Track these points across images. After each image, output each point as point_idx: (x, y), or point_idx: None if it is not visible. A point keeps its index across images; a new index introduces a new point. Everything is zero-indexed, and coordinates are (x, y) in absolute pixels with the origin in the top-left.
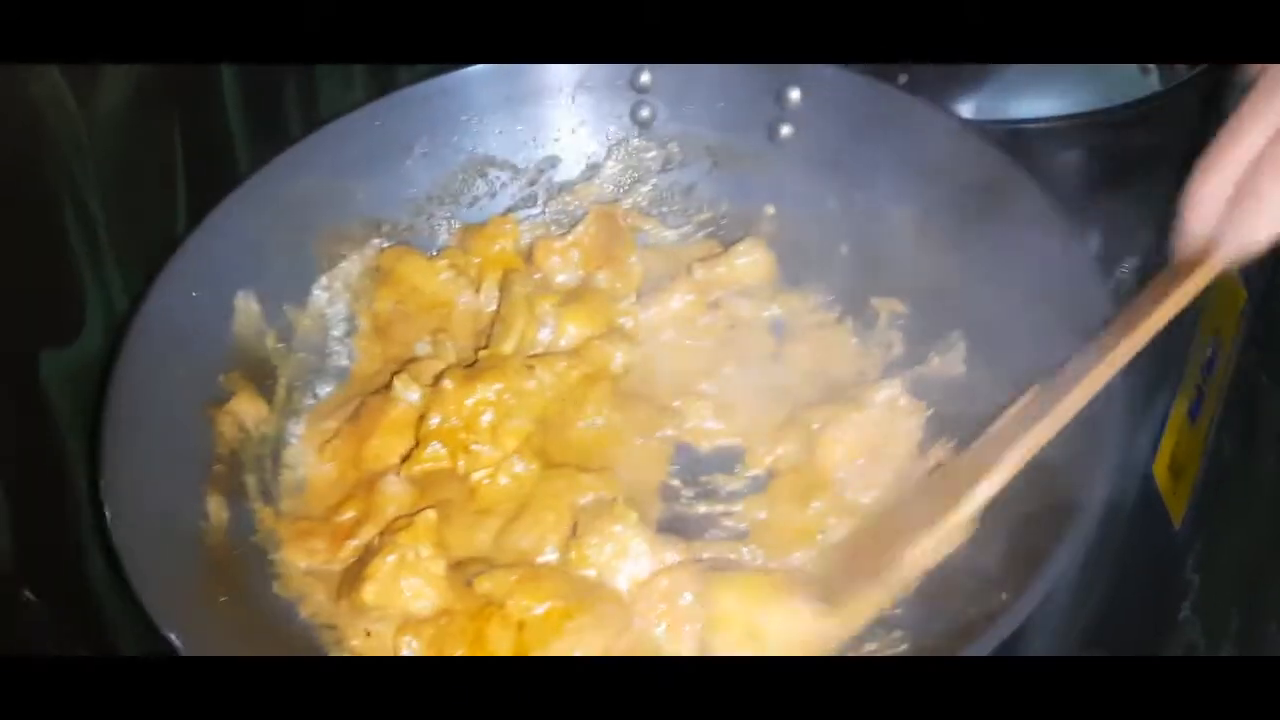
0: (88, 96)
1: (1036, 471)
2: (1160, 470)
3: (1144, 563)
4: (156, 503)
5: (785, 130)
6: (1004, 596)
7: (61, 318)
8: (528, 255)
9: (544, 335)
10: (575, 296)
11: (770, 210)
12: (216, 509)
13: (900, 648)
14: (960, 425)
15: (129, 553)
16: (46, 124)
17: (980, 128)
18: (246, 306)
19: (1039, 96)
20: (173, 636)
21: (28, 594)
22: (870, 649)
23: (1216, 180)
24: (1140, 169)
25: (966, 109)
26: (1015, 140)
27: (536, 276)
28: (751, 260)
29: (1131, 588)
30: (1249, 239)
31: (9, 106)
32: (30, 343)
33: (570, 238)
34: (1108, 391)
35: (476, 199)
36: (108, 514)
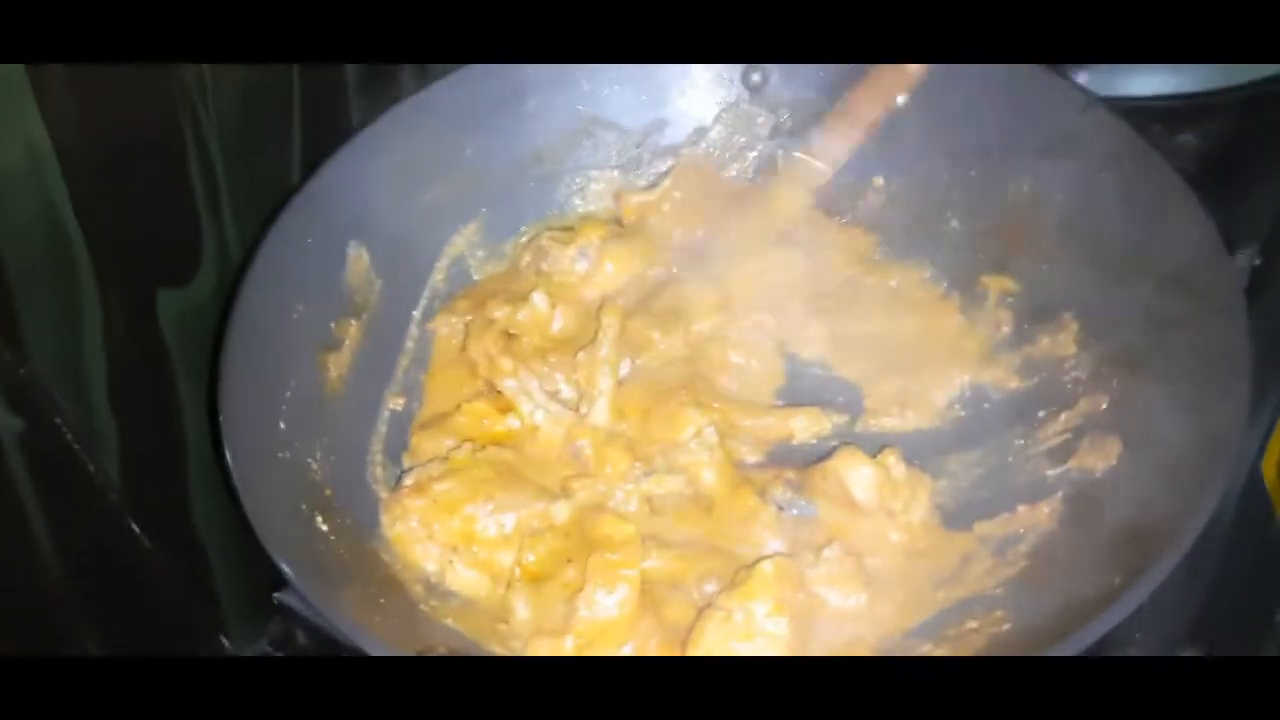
0: None
1: (1154, 457)
2: (1269, 468)
3: (1247, 561)
4: (270, 443)
5: (899, 99)
6: (1116, 581)
7: (180, 259)
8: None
9: (580, 266)
10: (624, 234)
11: (879, 181)
12: (324, 452)
13: (1003, 627)
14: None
15: (246, 489)
16: (176, 73)
17: (1107, 102)
18: (358, 256)
19: (1156, 73)
20: (284, 566)
21: (134, 526)
22: (971, 626)
23: None
24: (1263, 152)
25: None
26: (1130, 119)
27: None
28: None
29: (1234, 585)
30: None
31: None
32: (151, 282)
33: (657, 190)
34: (1229, 385)
35: (581, 159)
36: (228, 454)
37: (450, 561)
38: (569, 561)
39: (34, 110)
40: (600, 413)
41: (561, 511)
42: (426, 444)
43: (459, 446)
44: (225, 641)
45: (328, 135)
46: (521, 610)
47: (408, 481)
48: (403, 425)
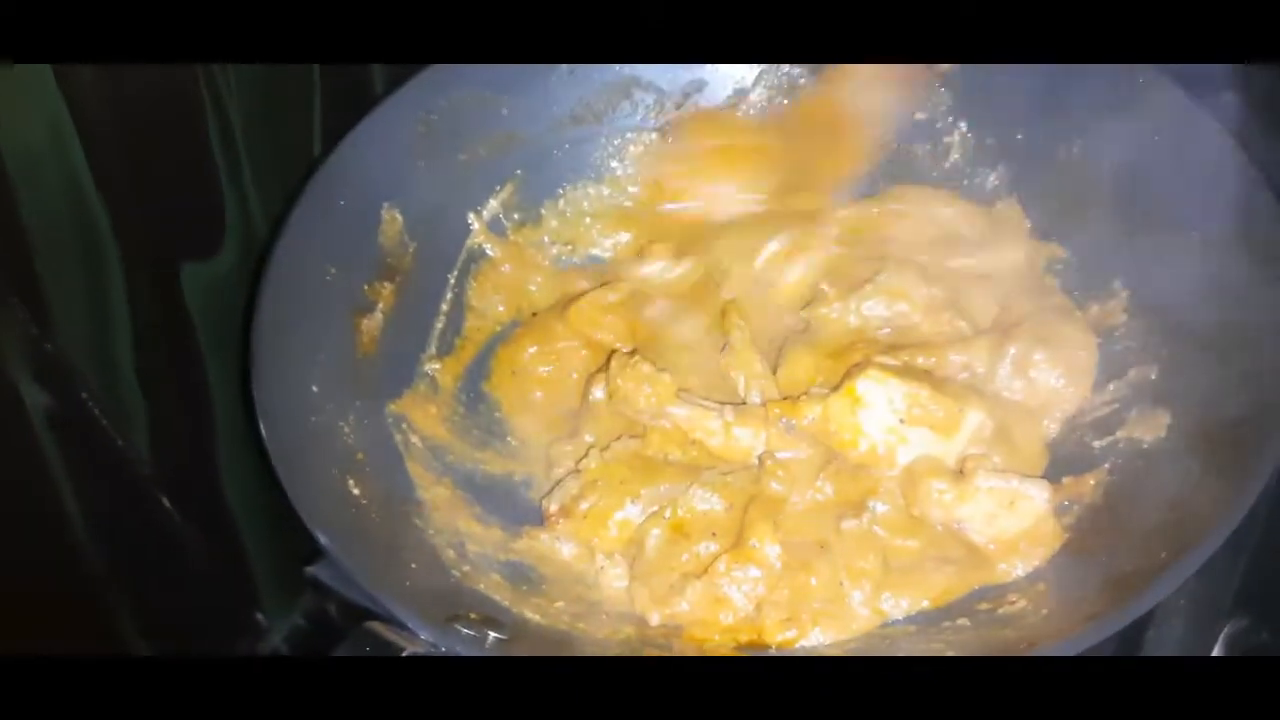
0: None
1: (1203, 430)
2: None
3: None
4: (303, 405)
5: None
6: (1162, 555)
7: (204, 232)
8: None
9: None
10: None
11: (927, 145)
12: (357, 415)
13: (1042, 612)
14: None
15: (279, 453)
16: None
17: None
18: (391, 218)
19: None
20: (315, 529)
21: (164, 500)
22: (1013, 598)
23: None
24: None
25: None
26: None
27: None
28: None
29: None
30: None
31: None
32: (175, 255)
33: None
34: None
35: (619, 121)
36: (260, 418)
37: (602, 568)
38: (713, 535)
39: (54, 88)
40: (768, 392)
41: (704, 496)
42: None
43: (586, 455)
44: (260, 617)
45: (350, 105)
46: (651, 545)
47: (551, 509)
48: (437, 388)
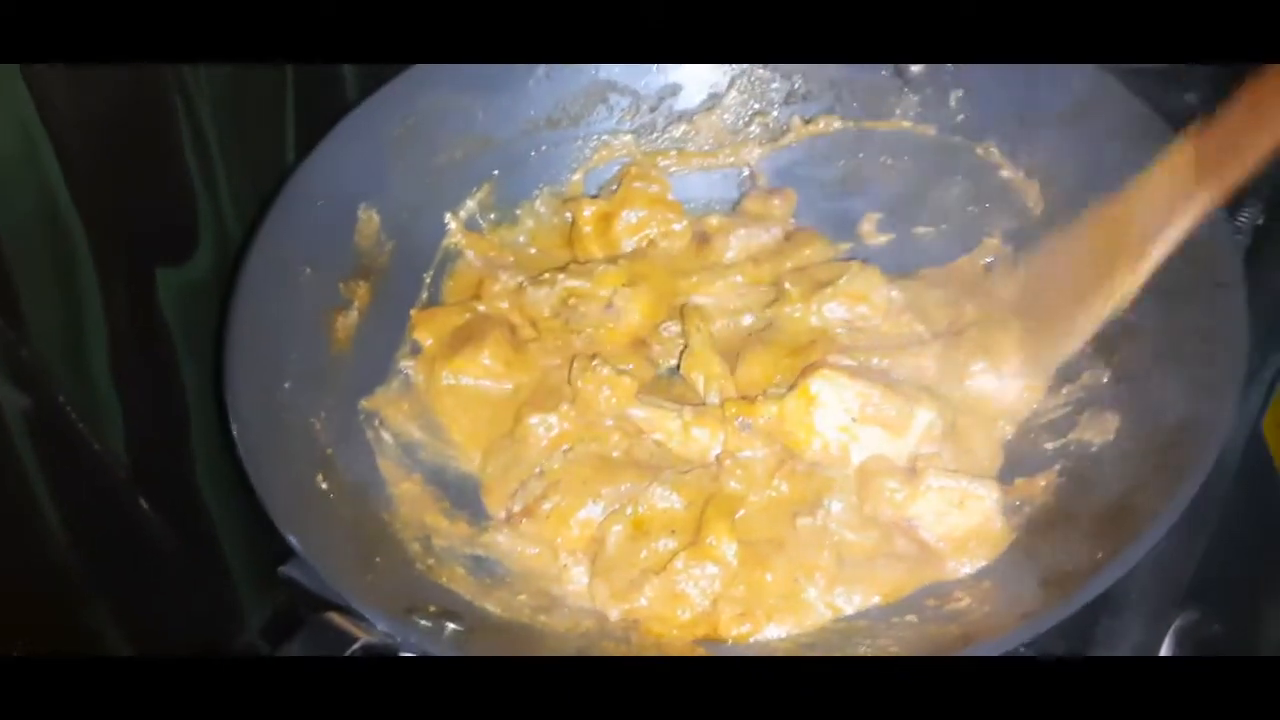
0: None
1: (1148, 434)
2: (1270, 428)
3: (1249, 521)
4: (275, 403)
5: (916, 68)
6: (1099, 555)
7: (178, 238)
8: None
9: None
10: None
11: (887, 160)
12: (329, 412)
13: (985, 609)
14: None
15: (248, 448)
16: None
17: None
18: (368, 218)
19: None
20: (287, 533)
21: (142, 502)
22: (959, 594)
23: None
24: None
25: None
26: (1132, 82)
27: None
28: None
29: (1235, 546)
30: None
31: None
32: (149, 260)
33: None
34: (1225, 367)
35: (594, 124)
36: (231, 413)
37: (565, 566)
38: (672, 532)
39: (24, 92)
40: (726, 391)
41: (664, 494)
42: None
43: (550, 457)
44: (237, 615)
45: (322, 109)
46: (611, 542)
47: (515, 509)
48: (410, 385)
